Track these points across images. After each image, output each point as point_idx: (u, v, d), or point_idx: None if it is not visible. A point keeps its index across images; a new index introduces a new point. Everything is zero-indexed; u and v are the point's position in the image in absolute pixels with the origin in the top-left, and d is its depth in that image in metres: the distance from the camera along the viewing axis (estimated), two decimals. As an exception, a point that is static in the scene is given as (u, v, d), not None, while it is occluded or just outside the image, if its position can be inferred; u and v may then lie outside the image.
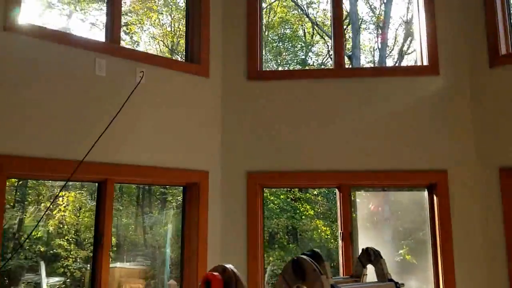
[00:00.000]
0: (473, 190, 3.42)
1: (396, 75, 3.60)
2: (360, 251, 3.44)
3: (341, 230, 3.47)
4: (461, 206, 3.41)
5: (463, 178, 3.45)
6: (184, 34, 3.87)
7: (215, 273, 1.45)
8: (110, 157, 3.10)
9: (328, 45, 13.00)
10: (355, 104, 3.58)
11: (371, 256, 2.24)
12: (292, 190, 10.38)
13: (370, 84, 3.59)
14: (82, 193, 10.61)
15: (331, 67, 3.75)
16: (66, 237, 9.65)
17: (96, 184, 3.18)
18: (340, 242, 3.47)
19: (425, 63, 3.59)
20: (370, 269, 2.14)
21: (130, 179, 3.29)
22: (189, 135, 3.51)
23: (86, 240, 9.85)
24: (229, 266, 1.46)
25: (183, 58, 3.92)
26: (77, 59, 3.05)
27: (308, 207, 11.51)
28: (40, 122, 2.84)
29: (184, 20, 3.89)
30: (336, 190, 3.58)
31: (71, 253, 9.42)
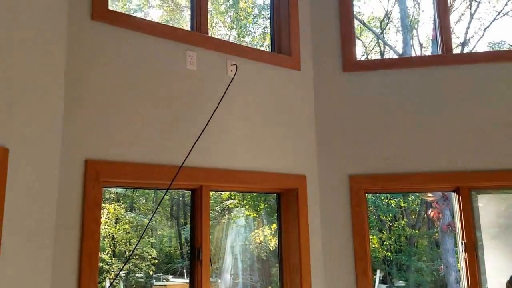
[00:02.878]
0: None
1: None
2: (486, 264, 3.02)
3: (463, 240, 3.01)
4: None
5: None
6: (270, 26, 3.50)
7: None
8: (204, 161, 2.73)
9: (365, 47, 12.59)
10: (472, 93, 3.14)
11: None
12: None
13: (488, 70, 3.15)
14: (120, 205, 10.38)
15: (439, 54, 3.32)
16: (106, 250, 9.38)
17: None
18: (462, 253, 3.02)
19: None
20: None
21: (225, 186, 2.91)
22: (283, 135, 3.11)
23: (127, 253, 9.58)
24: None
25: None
26: (167, 52, 2.69)
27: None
28: (133, 123, 2.49)
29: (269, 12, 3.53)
30: (453, 193, 3.13)
31: (113, 266, 9.14)
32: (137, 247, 9.48)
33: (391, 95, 3.22)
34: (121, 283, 8.52)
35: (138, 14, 6.93)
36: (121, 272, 8.60)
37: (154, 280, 8.94)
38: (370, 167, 3.15)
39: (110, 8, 2.53)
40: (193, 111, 2.73)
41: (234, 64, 2.92)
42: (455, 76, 3.18)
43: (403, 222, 11.08)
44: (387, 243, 11.05)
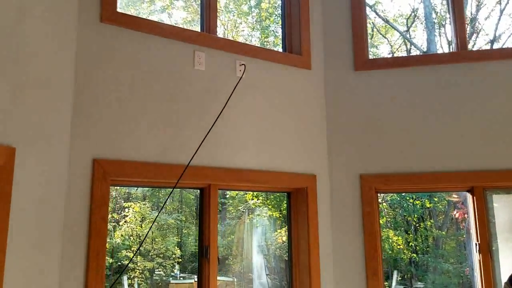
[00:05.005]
0: None
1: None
2: (501, 265, 2.94)
3: (477, 241, 2.94)
4: None
5: None
6: (281, 26, 3.49)
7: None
8: (212, 160, 2.76)
9: (391, 46, 12.41)
10: (487, 91, 3.07)
11: None
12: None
13: (503, 67, 3.07)
14: (145, 204, 10.55)
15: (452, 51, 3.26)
16: (132, 248, 9.55)
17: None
18: (476, 255, 2.95)
19: None
20: None
21: (234, 185, 2.93)
22: (293, 134, 3.11)
23: (152, 251, 9.73)
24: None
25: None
26: (176, 52, 2.73)
27: (376, 215, 10.85)
28: (140, 122, 2.54)
29: (280, 10, 3.53)
30: (467, 193, 3.07)
31: (138, 264, 9.30)
32: (161, 246, 9.61)
33: (403, 94, 3.17)
34: (136, 280, 8.65)
35: (162, 16, 7.03)
36: (142, 270, 8.72)
37: (170, 278, 9.07)
38: (381, 167, 3.11)
39: (132, 9, 2.58)
40: (202, 111, 2.76)
41: (242, 64, 2.94)
42: (468, 74, 3.11)
43: (429, 223, 10.87)
44: (412, 244, 10.87)
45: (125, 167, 2.43)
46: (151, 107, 2.59)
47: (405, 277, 10.56)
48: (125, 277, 8.01)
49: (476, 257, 2.96)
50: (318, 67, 3.30)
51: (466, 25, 3.30)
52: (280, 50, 3.43)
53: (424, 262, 10.58)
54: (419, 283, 9.65)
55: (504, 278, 2.89)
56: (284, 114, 3.10)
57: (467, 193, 3.07)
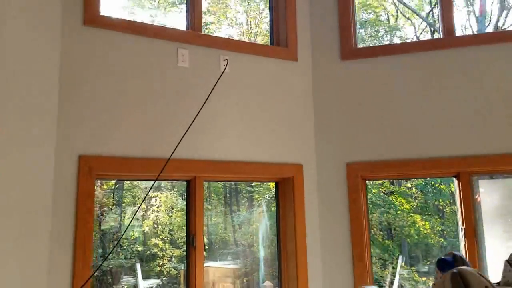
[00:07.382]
0: None
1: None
2: (487, 249, 2.94)
3: (463, 225, 2.96)
4: None
5: None
6: (269, 19, 3.56)
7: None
8: (197, 153, 2.89)
9: (415, 27, 12.12)
10: (471, 76, 3.05)
11: None
12: (384, 183, 9.87)
13: (488, 52, 3.04)
14: (173, 193, 10.84)
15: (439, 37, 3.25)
16: (160, 237, 9.88)
17: (185, 182, 2.98)
18: (462, 239, 2.97)
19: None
20: None
21: (220, 176, 3.06)
22: (279, 125, 3.20)
23: (179, 239, 10.04)
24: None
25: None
26: (159, 51, 2.86)
27: (403, 201, 10.83)
28: (125, 120, 2.69)
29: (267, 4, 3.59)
30: (454, 179, 3.07)
31: (166, 252, 9.62)
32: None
33: (388, 82, 3.19)
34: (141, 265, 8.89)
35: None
36: (170, 257, 9.00)
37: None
38: (368, 155, 3.16)
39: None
40: (187, 106, 2.88)
41: (226, 59, 3.04)
42: (454, 59, 3.10)
43: (455, 207, 10.68)
44: (439, 229, 10.73)
45: (110, 163, 2.59)
46: (136, 104, 2.73)
47: (433, 261, 10.45)
48: (138, 265, 8.30)
49: (462, 241, 2.97)
50: (304, 58, 3.36)
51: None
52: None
53: (453, 247, 10.45)
54: (425, 267, 9.56)
55: (490, 263, 2.91)
56: (271, 106, 3.19)
57: (454, 178, 3.07)
